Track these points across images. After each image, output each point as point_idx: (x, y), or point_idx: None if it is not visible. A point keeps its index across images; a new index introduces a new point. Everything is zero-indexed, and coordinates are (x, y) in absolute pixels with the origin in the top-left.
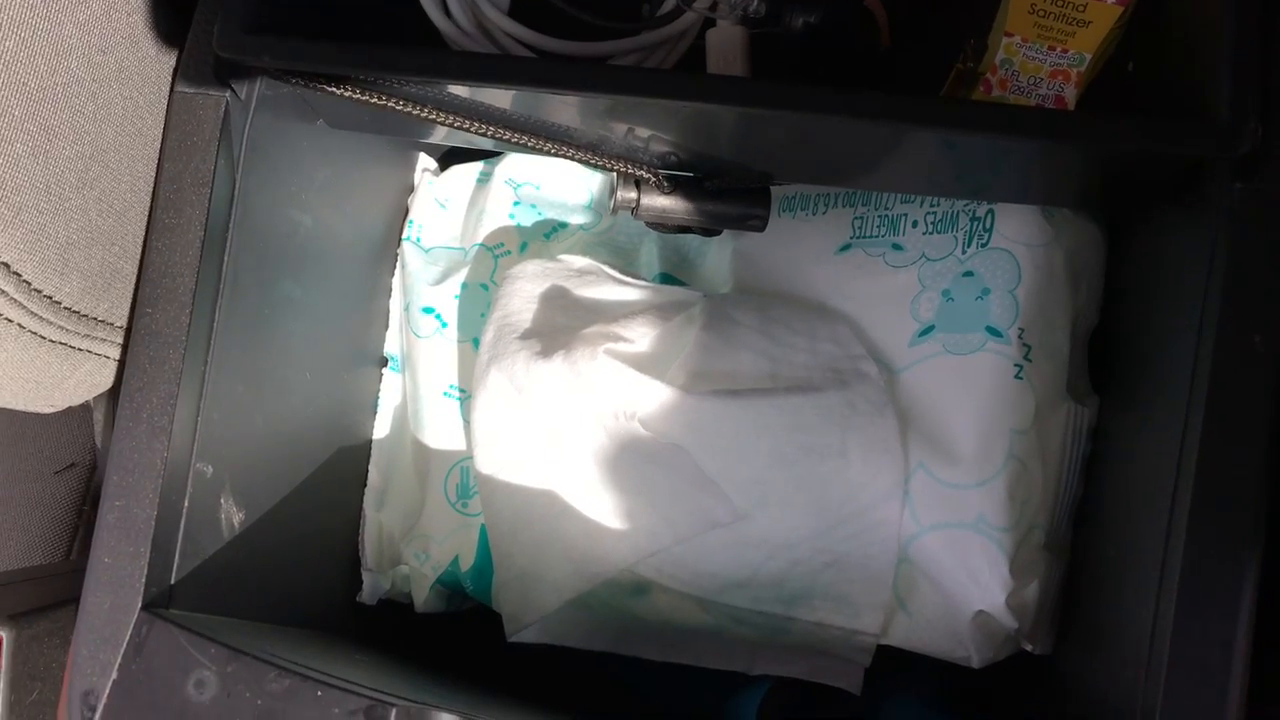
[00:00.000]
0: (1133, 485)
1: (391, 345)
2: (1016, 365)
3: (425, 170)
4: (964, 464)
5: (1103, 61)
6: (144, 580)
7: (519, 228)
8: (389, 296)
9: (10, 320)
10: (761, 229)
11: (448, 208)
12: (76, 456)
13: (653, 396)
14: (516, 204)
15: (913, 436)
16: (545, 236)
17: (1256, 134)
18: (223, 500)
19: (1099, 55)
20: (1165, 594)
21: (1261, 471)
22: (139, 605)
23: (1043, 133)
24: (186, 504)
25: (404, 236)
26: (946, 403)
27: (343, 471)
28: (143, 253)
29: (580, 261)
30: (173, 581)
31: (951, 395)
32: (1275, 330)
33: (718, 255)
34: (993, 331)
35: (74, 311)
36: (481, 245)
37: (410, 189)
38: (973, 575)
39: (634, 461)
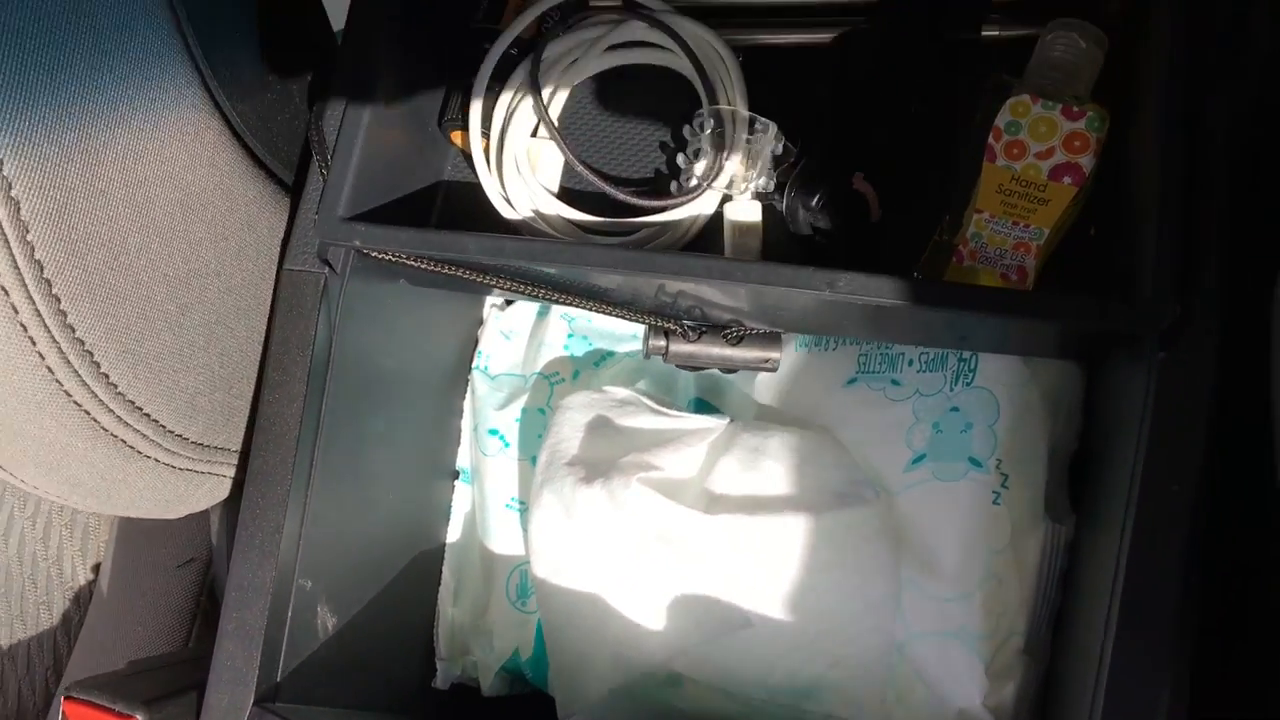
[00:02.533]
0: (1084, 600)
1: (463, 460)
2: (994, 492)
3: (493, 306)
4: (947, 579)
5: (1065, 229)
6: (255, 679)
7: (572, 357)
8: (460, 417)
9: (148, 456)
10: (774, 370)
11: (511, 339)
12: (195, 552)
13: (680, 520)
14: (570, 335)
15: (904, 554)
16: (595, 364)
17: (1175, 312)
18: (319, 608)
19: (1057, 229)
20: (1096, 698)
21: (1177, 604)
22: (251, 701)
23: (992, 310)
24: (290, 614)
25: (474, 365)
26: (934, 524)
27: (420, 573)
28: (256, 403)
29: (622, 393)
30: (279, 679)
31: (938, 518)
32: (1188, 480)
33: (743, 382)
34: (974, 462)
35: (199, 444)
36: (540, 374)
37: (479, 322)
38: (955, 678)
39: (666, 573)
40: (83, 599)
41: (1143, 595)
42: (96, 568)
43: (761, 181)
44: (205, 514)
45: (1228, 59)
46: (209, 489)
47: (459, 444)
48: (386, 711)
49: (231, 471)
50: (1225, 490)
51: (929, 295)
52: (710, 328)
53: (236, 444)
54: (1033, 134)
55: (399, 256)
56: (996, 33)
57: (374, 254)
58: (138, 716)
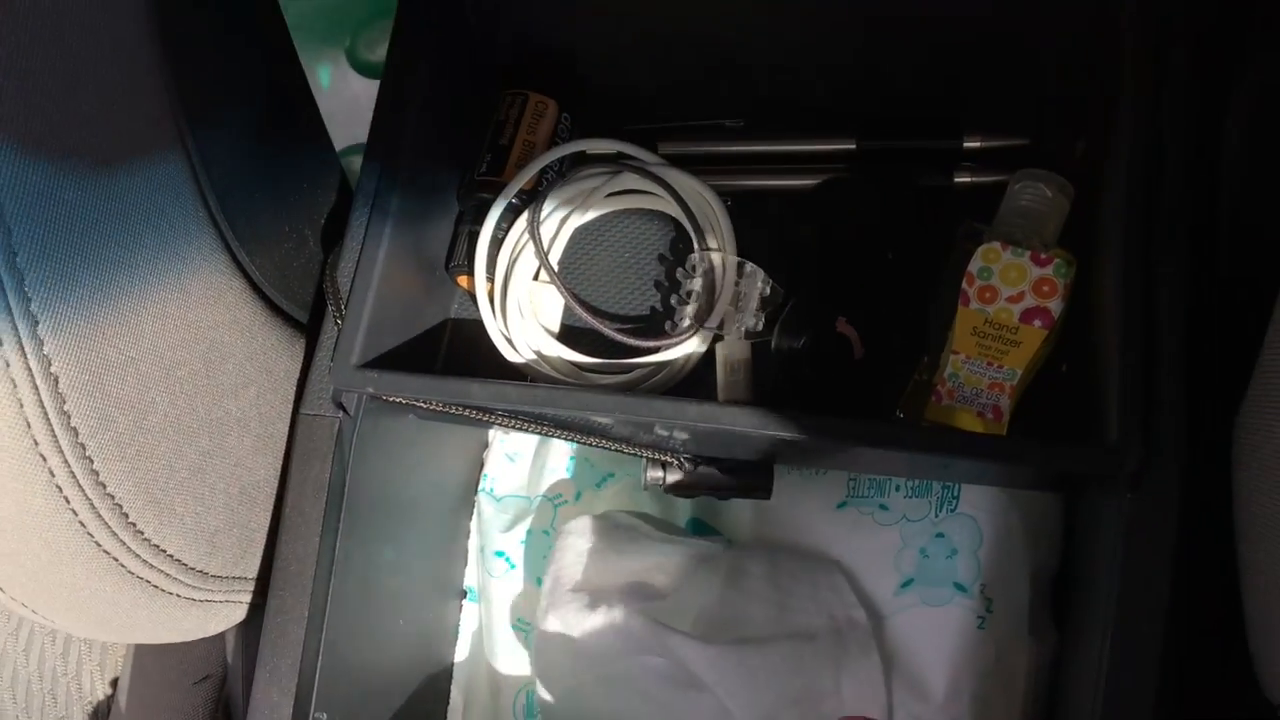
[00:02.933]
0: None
1: (470, 580)
2: (979, 617)
3: (496, 429)
4: (935, 701)
5: (1038, 368)
6: None
7: (575, 479)
8: (468, 537)
9: (170, 592)
10: (767, 498)
11: (515, 461)
12: (210, 669)
13: (680, 646)
14: (572, 459)
15: (895, 676)
16: (597, 485)
17: (1139, 455)
18: None
19: (1029, 368)
20: None
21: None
22: None
23: (968, 454)
24: None
25: (479, 487)
26: (922, 648)
27: (430, 693)
28: (272, 540)
29: (623, 519)
30: None
31: (926, 642)
32: (1156, 617)
33: (738, 505)
34: (959, 587)
35: (219, 577)
36: (544, 496)
37: (485, 444)
38: None
39: (666, 696)
40: (101, 714)
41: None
42: (114, 683)
43: (750, 322)
44: (221, 633)
45: (1184, 209)
46: (225, 615)
47: (466, 565)
48: None
49: (247, 597)
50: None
51: (907, 439)
52: (705, 459)
53: (252, 572)
54: (1004, 279)
55: (411, 400)
56: (969, 179)
57: (385, 397)
58: None
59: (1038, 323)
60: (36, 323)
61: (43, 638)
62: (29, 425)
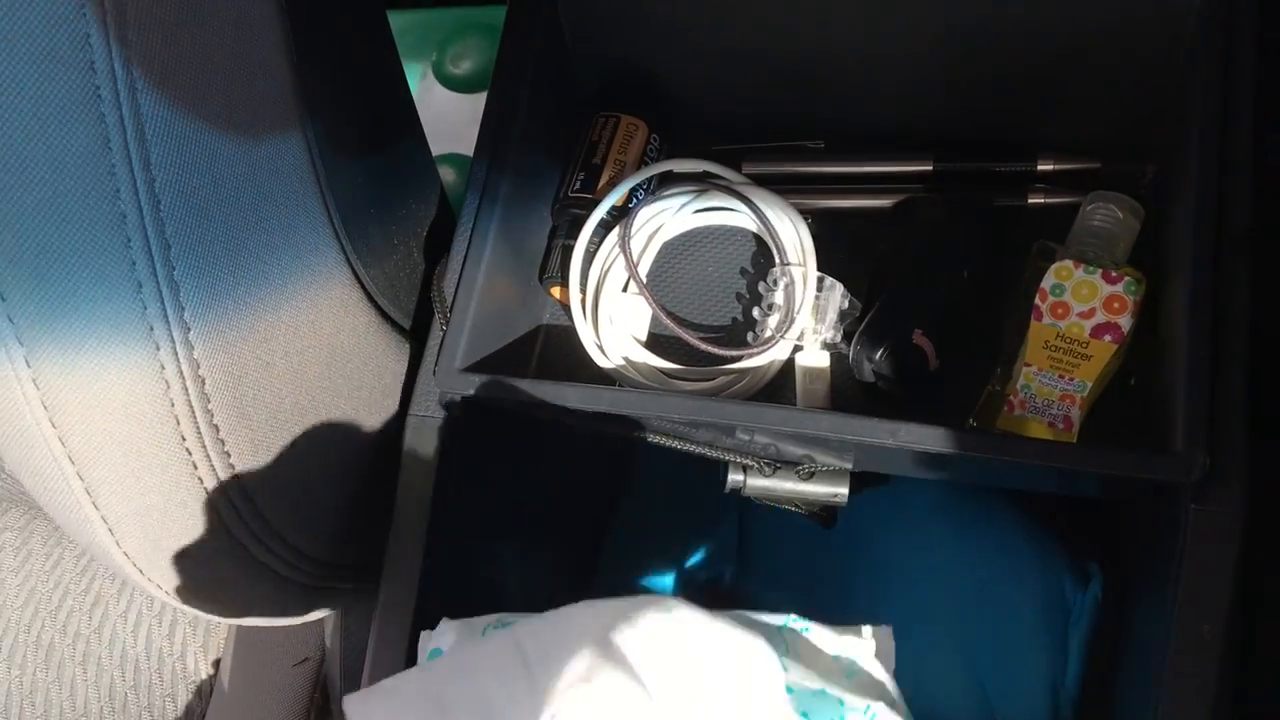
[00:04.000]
0: None
1: None
2: None
3: None
4: None
5: (1107, 381)
6: None
7: None
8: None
9: (286, 578)
10: (843, 504)
11: None
12: (309, 652)
13: None
14: None
15: None
16: None
17: (1205, 464)
18: None
19: (1099, 381)
20: None
21: None
22: None
23: (1037, 460)
24: None
25: None
26: None
27: None
28: (377, 534)
29: None
30: None
31: None
32: (1219, 623)
33: None
34: None
35: (327, 563)
36: None
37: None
38: None
39: None
40: (204, 693)
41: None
42: (217, 663)
43: (829, 334)
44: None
45: (1249, 231)
46: (330, 599)
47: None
48: None
49: (349, 584)
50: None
51: (979, 445)
52: (784, 464)
53: (353, 559)
54: (1075, 296)
55: (507, 401)
56: (1041, 200)
57: (486, 399)
58: None
59: (1108, 338)
60: (189, 330)
61: (150, 619)
62: (178, 422)
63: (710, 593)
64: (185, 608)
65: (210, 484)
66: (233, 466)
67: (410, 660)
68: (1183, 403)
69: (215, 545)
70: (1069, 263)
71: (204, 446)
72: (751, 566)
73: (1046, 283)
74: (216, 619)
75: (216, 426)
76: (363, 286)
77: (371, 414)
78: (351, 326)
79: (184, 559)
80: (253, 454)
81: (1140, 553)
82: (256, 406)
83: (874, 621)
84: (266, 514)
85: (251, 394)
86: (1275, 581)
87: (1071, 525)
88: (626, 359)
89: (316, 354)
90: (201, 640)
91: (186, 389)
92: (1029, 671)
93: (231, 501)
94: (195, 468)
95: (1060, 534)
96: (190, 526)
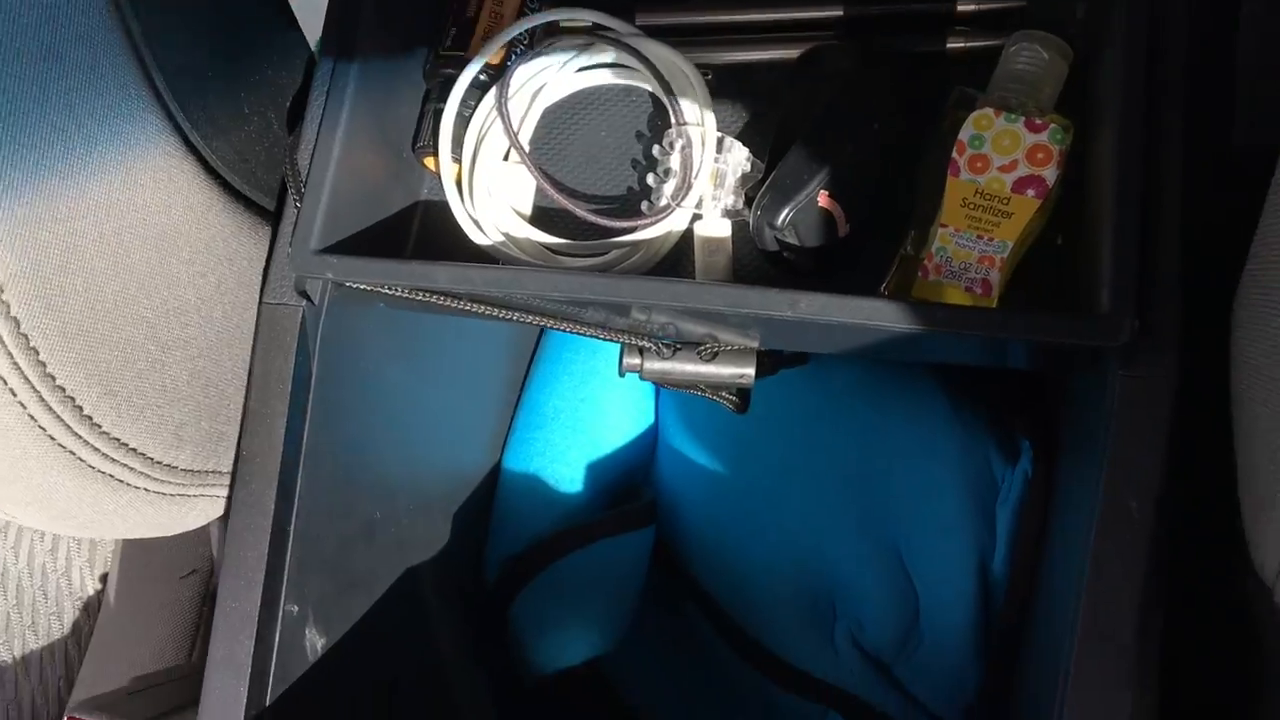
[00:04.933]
0: (1054, 610)
1: None
2: None
3: None
4: None
5: (1030, 241)
6: (244, 706)
7: None
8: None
9: (138, 487)
10: (749, 386)
11: None
12: (197, 564)
13: None
14: None
15: None
16: None
17: (1133, 328)
18: (307, 631)
19: (1021, 241)
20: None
21: (1137, 622)
22: None
23: (951, 328)
24: (277, 640)
25: None
26: None
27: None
28: (240, 435)
29: None
30: (268, 703)
31: None
32: (1148, 498)
33: None
34: None
35: (188, 470)
36: None
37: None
38: None
39: None
40: (91, 609)
41: (1104, 611)
42: (104, 578)
43: (730, 200)
44: (206, 526)
45: (1184, 70)
46: (202, 509)
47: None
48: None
49: (224, 491)
50: (1186, 504)
51: (888, 314)
52: (684, 345)
53: (227, 465)
54: (996, 147)
55: (374, 286)
56: (961, 44)
57: (349, 284)
58: None
59: (1031, 192)
60: None
61: (31, 535)
62: None
63: (624, 486)
64: (36, 527)
65: (14, 382)
66: (43, 364)
67: (274, 572)
68: (1109, 261)
69: (38, 453)
70: (989, 111)
71: (2, 341)
72: (664, 451)
73: (964, 134)
74: (75, 536)
75: (16, 319)
76: (201, 160)
77: (223, 304)
78: (187, 205)
79: (15, 476)
80: (65, 348)
81: (1070, 427)
82: (67, 296)
83: (787, 505)
84: (96, 417)
85: (58, 281)
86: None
87: (1002, 401)
88: (507, 235)
89: (141, 235)
90: (87, 556)
91: None
92: (955, 553)
93: (46, 403)
94: None
95: (988, 410)
96: (7, 438)
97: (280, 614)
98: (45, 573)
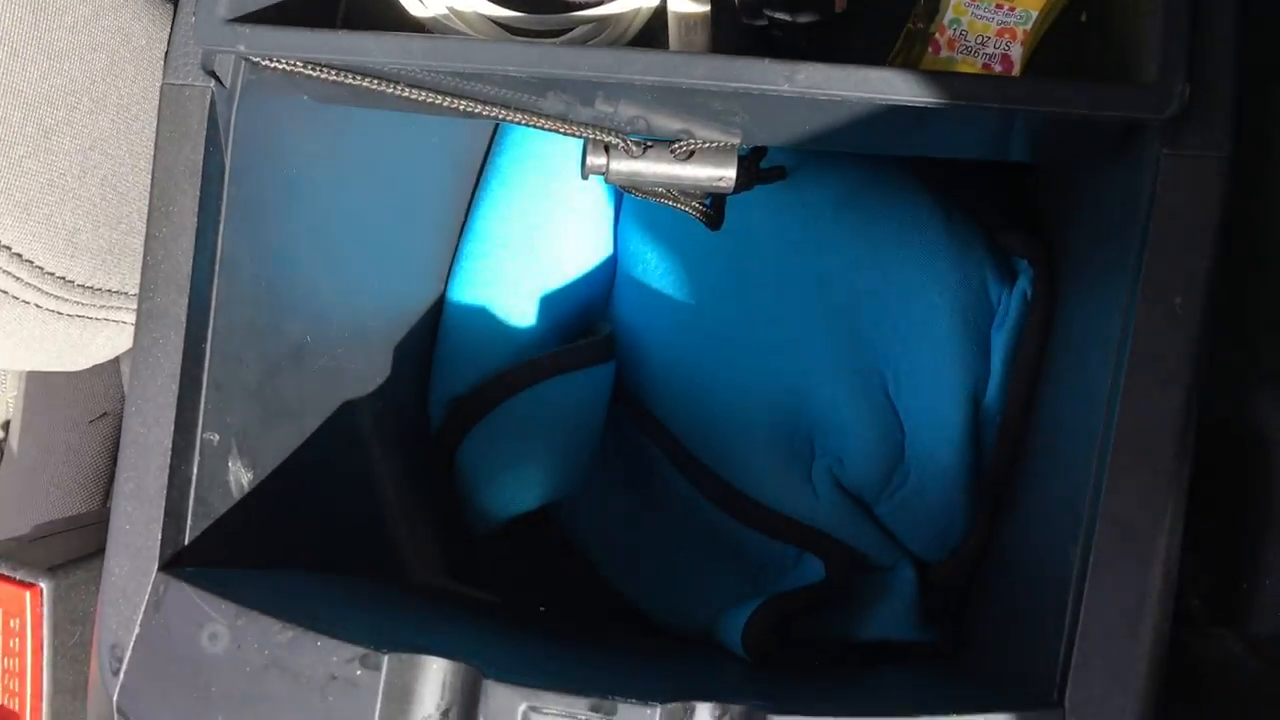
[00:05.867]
0: (1065, 437)
1: None
2: None
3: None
4: None
5: (1054, 14)
6: (159, 544)
7: None
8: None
9: (28, 302)
10: (729, 191)
11: None
12: (108, 406)
13: None
14: None
15: None
16: None
17: (1183, 97)
18: (230, 464)
19: (1046, 12)
20: (1085, 544)
21: (1180, 427)
22: (155, 567)
23: (979, 99)
24: (195, 471)
25: None
26: None
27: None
28: (146, 238)
29: None
30: (186, 543)
31: None
32: (1193, 294)
33: None
34: None
35: (86, 287)
36: None
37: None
38: None
39: None
40: None
41: (1143, 421)
42: (5, 425)
43: None
44: (116, 366)
45: None
46: (108, 337)
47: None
48: (325, 567)
49: (132, 317)
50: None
51: (909, 87)
52: (656, 142)
53: (133, 286)
54: None
55: (295, 66)
56: None
57: (267, 63)
58: (41, 585)
59: None
60: None
61: None
62: None
63: (581, 320)
64: None
65: None
66: None
67: (189, 394)
68: (1159, 22)
69: None
70: None
71: None
72: (624, 282)
73: None
74: None
75: None
76: None
77: (117, 86)
78: None
79: None
80: None
81: (1081, 232)
82: None
83: (764, 337)
84: None
85: None
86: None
87: (994, 217)
88: (449, 7)
89: (14, 8)
90: None
91: None
92: (946, 382)
93: None
94: None
95: (982, 227)
96: None
97: (198, 442)
98: None
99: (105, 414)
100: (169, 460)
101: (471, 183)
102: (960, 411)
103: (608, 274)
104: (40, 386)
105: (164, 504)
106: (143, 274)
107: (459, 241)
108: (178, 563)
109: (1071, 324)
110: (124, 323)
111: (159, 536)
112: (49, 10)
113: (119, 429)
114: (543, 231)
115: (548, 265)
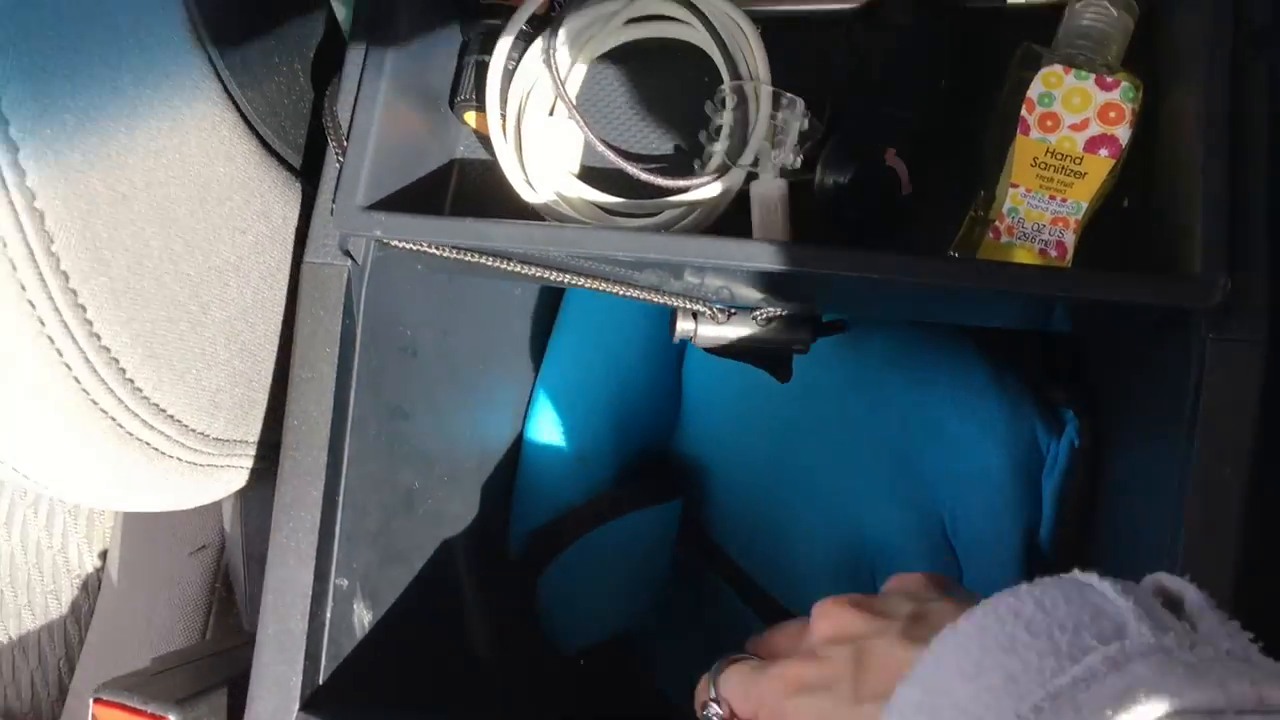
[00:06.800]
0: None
1: None
2: None
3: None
4: None
5: (1101, 201)
6: (299, 686)
7: None
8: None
9: (170, 455)
10: (805, 351)
11: None
12: (207, 539)
13: None
14: None
15: None
16: None
17: (1226, 289)
18: (355, 606)
19: (1095, 202)
20: None
21: (1234, 575)
22: (296, 708)
23: (1040, 288)
24: (329, 614)
25: None
26: None
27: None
28: (274, 399)
29: None
30: (321, 682)
31: None
32: (1241, 464)
33: None
34: None
35: (220, 440)
36: None
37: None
38: None
39: None
40: (91, 587)
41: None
42: (103, 555)
43: (788, 159)
44: (217, 501)
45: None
46: (226, 481)
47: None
48: (432, 700)
49: (249, 463)
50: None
51: (973, 275)
52: (739, 309)
53: (254, 436)
54: (1066, 105)
55: (421, 245)
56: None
57: (395, 243)
58: (170, 717)
59: (1104, 152)
60: (17, 150)
61: (24, 509)
62: (14, 267)
63: (648, 456)
64: (59, 496)
65: (63, 343)
66: (90, 323)
67: (325, 544)
68: (1200, 221)
69: (79, 418)
70: (1058, 68)
71: (51, 298)
72: (690, 422)
73: (1034, 91)
74: (95, 507)
75: (65, 274)
76: (239, 110)
77: (259, 263)
78: (227, 155)
79: (45, 438)
80: (115, 307)
81: (1130, 394)
82: (114, 249)
83: (826, 476)
84: (137, 380)
85: (106, 233)
86: None
87: (1042, 371)
88: (558, 193)
89: (186, 186)
90: (84, 530)
91: (21, 224)
92: (1002, 524)
93: (92, 365)
94: (42, 324)
95: (1029, 379)
96: (46, 396)
97: (331, 588)
98: (40, 549)
99: (204, 546)
100: (309, 606)
101: (547, 328)
102: (1014, 552)
103: (674, 412)
104: (138, 517)
105: (304, 647)
106: (285, 434)
107: (535, 382)
108: (315, 702)
109: (1122, 473)
110: (243, 468)
111: (300, 679)
112: (211, 198)
113: (218, 560)
114: (612, 374)
115: (617, 405)
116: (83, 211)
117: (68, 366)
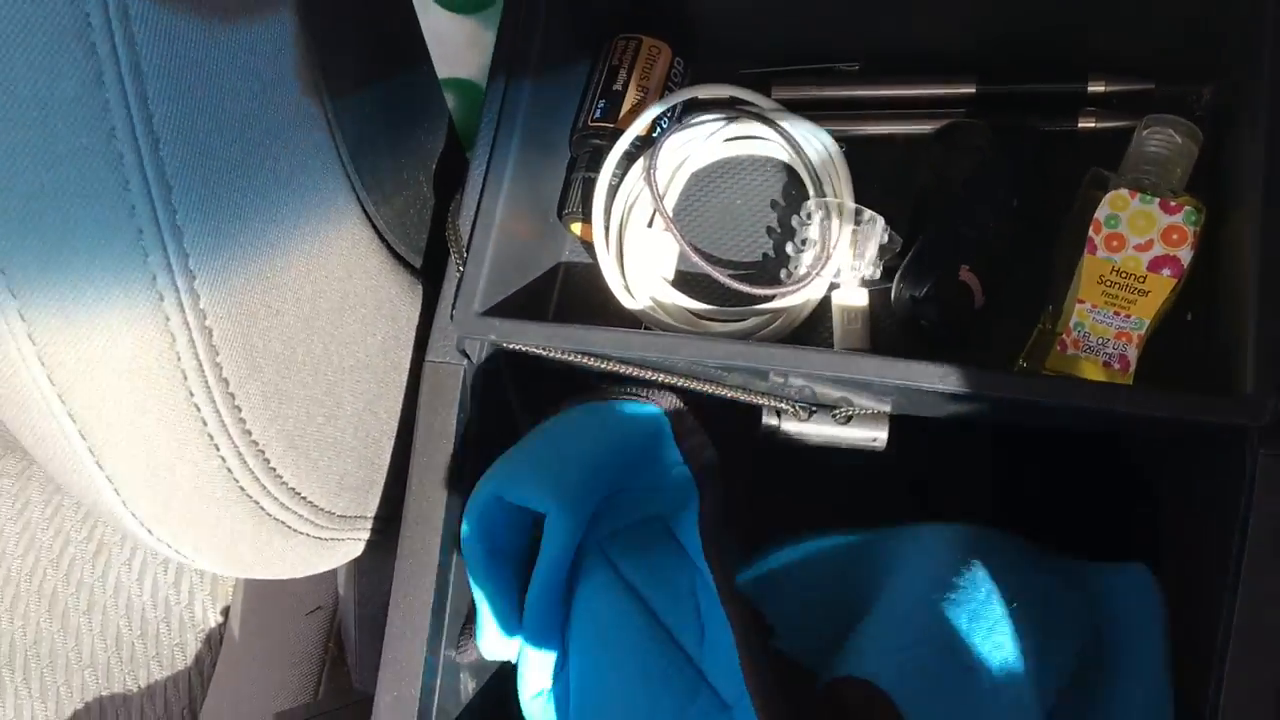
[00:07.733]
0: None
1: None
2: None
3: None
4: None
5: (1163, 317)
6: None
7: None
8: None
9: (301, 532)
10: (881, 449)
11: None
12: (321, 601)
13: None
14: None
15: None
16: None
17: (1276, 409)
18: (461, 674)
19: (1157, 318)
20: None
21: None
22: None
23: (1097, 404)
24: (439, 684)
25: None
26: None
27: None
28: (389, 484)
29: None
30: None
31: None
32: None
33: None
34: None
35: (343, 516)
36: None
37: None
38: None
39: None
40: (214, 641)
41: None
42: (226, 611)
43: (868, 271)
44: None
45: None
46: (344, 552)
47: None
48: None
49: (364, 535)
50: None
51: (1035, 389)
52: (820, 407)
53: (371, 511)
54: (1131, 227)
55: (529, 346)
56: (1092, 124)
57: (508, 345)
58: None
59: (1166, 271)
60: (194, 277)
61: (155, 568)
62: (185, 377)
63: None
64: (199, 564)
65: (220, 440)
66: (243, 421)
67: (437, 618)
68: (1252, 342)
69: (227, 503)
70: (1124, 192)
71: (213, 401)
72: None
73: (1101, 213)
74: (231, 575)
75: (226, 380)
76: (373, 225)
77: (385, 361)
78: (364, 269)
79: (194, 518)
80: (264, 407)
81: (1180, 501)
82: (266, 357)
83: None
84: (279, 469)
85: (261, 344)
86: None
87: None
88: (654, 299)
89: (328, 299)
90: (209, 589)
91: (193, 341)
92: None
93: (243, 457)
94: (205, 424)
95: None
96: (201, 485)
97: (441, 659)
98: (169, 605)
99: (319, 608)
100: (422, 676)
101: None
102: None
103: None
104: (260, 580)
105: (416, 712)
106: (405, 514)
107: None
108: None
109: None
110: (359, 539)
111: None
112: (348, 307)
113: (331, 622)
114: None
115: None
116: (243, 327)
117: (223, 459)
